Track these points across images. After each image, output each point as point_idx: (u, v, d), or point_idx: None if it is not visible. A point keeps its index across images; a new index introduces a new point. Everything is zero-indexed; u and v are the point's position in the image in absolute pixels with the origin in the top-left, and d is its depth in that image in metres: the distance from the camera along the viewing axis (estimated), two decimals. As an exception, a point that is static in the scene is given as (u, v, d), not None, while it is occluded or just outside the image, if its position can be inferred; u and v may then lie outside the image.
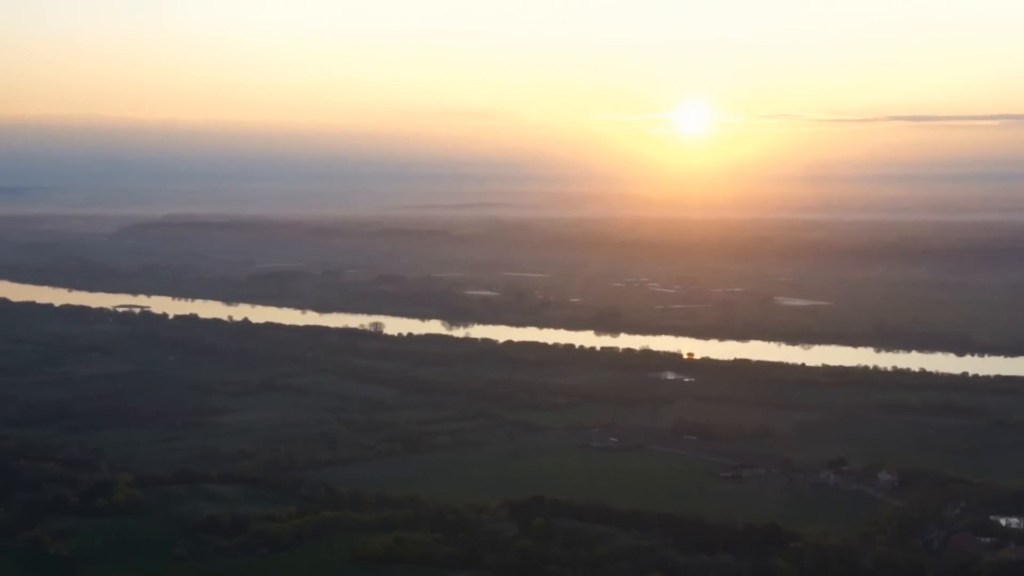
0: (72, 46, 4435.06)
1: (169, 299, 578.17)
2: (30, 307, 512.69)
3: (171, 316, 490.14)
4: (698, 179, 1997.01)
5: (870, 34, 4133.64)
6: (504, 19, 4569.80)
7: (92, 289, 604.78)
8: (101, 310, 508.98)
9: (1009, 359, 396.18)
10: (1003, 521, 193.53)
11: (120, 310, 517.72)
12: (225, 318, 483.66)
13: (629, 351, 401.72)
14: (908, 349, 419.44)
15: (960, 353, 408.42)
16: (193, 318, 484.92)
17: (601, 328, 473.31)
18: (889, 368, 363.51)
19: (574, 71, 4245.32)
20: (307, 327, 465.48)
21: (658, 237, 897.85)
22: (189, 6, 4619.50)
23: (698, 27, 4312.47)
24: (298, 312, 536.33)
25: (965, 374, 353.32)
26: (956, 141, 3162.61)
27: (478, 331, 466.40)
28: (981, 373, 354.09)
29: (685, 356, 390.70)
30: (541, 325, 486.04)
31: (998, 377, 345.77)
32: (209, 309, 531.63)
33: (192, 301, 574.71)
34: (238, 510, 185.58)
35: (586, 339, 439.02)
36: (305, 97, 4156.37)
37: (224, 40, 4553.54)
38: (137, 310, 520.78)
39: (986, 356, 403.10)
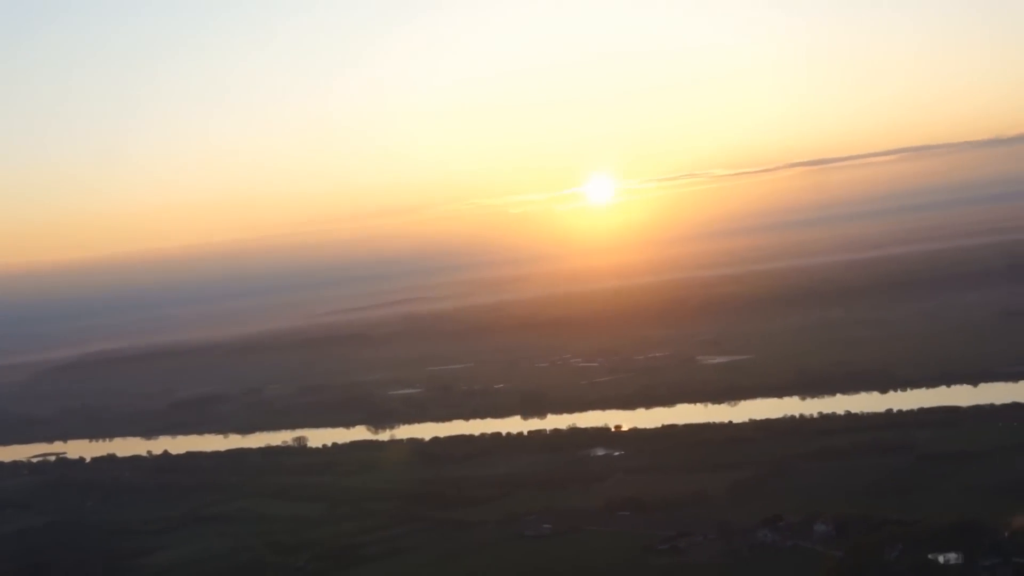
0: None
1: (87, 441, 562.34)
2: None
3: (88, 459, 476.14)
4: (611, 248, 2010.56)
5: (762, 86, 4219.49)
6: (405, 116, 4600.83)
7: (5, 442, 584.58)
8: (14, 463, 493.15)
9: (930, 390, 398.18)
10: (941, 558, 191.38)
11: (35, 460, 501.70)
12: (144, 453, 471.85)
13: (557, 432, 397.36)
14: (832, 392, 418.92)
15: (884, 390, 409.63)
16: (111, 458, 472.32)
17: (527, 412, 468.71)
18: (815, 415, 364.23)
19: (480, 159, 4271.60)
20: (229, 451, 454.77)
21: (577, 311, 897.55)
22: (82, 130, 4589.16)
23: (597, 101, 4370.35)
24: (221, 437, 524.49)
25: (890, 411, 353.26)
26: (856, 180, 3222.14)
27: (403, 431, 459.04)
28: (905, 408, 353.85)
29: (613, 429, 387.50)
30: (467, 416, 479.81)
31: (921, 410, 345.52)
32: (128, 446, 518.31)
33: (111, 440, 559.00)
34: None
35: (513, 425, 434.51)
36: (207, 218, 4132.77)
37: (113, 173, 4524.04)
38: (52, 457, 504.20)
39: (908, 389, 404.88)
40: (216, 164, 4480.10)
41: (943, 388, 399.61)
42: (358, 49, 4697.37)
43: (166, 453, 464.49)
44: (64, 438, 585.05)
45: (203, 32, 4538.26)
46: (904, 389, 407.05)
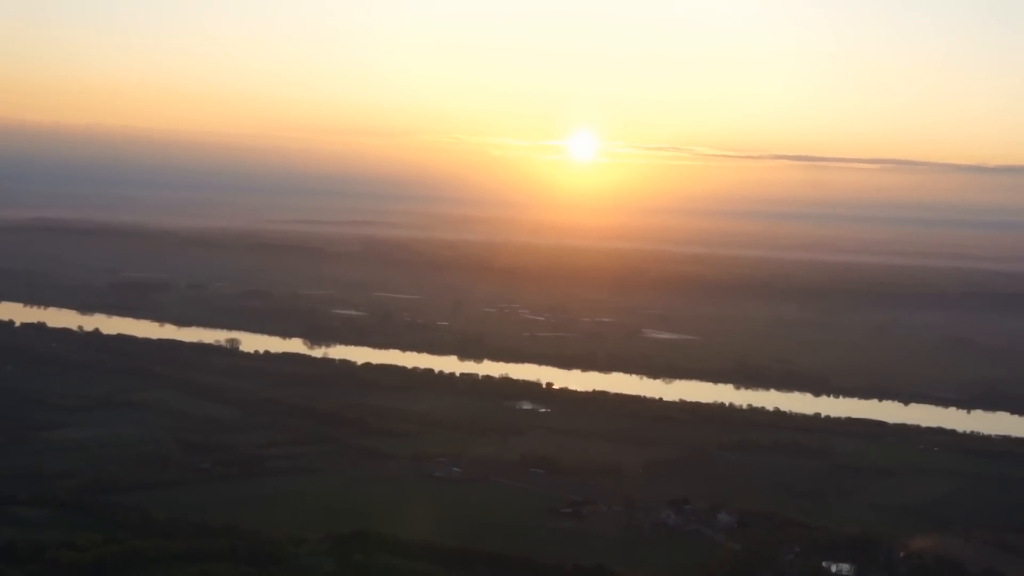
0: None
1: (20, 305, 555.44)
2: None
3: (18, 323, 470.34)
4: (584, 207, 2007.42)
5: (759, 73, 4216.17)
6: (399, 40, 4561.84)
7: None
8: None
9: (862, 401, 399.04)
10: (834, 567, 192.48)
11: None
12: (75, 328, 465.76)
13: (488, 378, 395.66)
14: (767, 387, 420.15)
15: (816, 393, 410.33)
16: (41, 326, 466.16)
17: (465, 353, 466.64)
18: (745, 406, 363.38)
19: (468, 94, 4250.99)
20: (161, 341, 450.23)
21: (536, 263, 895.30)
22: (77, 6, 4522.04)
23: (593, 58, 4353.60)
24: (156, 325, 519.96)
25: (818, 415, 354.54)
26: (837, 182, 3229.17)
27: (338, 352, 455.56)
28: (833, 415, 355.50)
29: (544, 386, 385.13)
30: (404, 348, 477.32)
31: (849, 419, 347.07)
32: (62, 318, 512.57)
33: (45, 309, 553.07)
34: (40, 536, 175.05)
35: (448, 364, 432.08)
36: (194, 105, 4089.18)
37: (111, 42, 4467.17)
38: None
39: (840, 397, 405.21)
40: (207, 53, 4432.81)
41: (874, 402, 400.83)
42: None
43: (97, 331, 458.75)
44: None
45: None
46: (836, 396, 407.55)
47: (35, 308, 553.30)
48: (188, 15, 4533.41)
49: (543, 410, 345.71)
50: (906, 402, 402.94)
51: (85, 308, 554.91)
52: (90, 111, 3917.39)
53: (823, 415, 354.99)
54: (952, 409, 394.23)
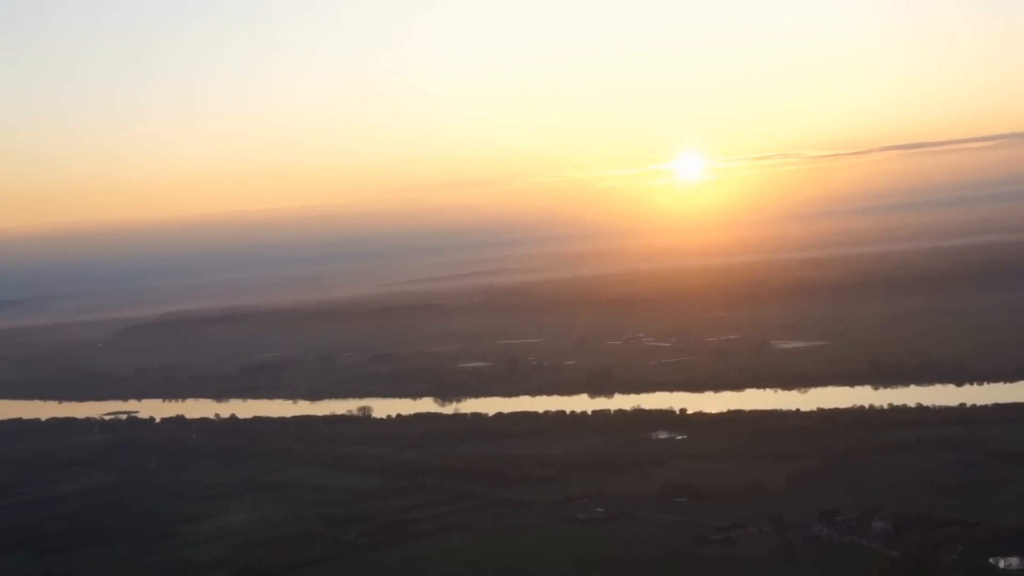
0: (64, 152, 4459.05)
1: (160, 401, 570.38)
2: (15, 424, 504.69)
3: (158, 420, 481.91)
4: (696, 226, 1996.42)
5: (855, 67, 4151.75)
6: (494, 88, 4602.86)
7: (82, 398, 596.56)
8: (88, 420, 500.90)
9: (1007, 385, 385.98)
10: (1002, 563, 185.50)
11: (107, 418, 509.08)
12: (212, 416, 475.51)
13: (621, 412, 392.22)
14: (906, 383, 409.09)
15: (959, 383, 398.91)
16: (180, 419, 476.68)
17: (594, 390, 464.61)
18: (885, 406, 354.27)
19: (568, 133, 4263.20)
20: (294, 418, 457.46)
21: (655, 289, 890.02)
22: (172, 97, 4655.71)
23: (686, 81, 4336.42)
24: (289, 403, 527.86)
25: (963, 405, 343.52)
26: (950, 165, 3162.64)
27: (468, 405, 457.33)
28: (979, 403, 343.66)
29: (678, 412, 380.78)
30: (534, 393, 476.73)
31: (996, 405, 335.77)
32: (198, 408, 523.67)
33: (183, 401, 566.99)
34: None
35: (579, 403, 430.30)
36: (298, 181, 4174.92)
37: (210, 131, 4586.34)
38: (124, 416, 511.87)
39: (984, 384, 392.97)
40: (304, 129, 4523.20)
41: (1020, 384, 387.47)
42: (447, 20, 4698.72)
43: (233, 417, 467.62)
44: (139, 397, 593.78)
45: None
46: (979, 383, 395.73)
47: (173, 402, 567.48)
48: (270, 94, 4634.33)
49: (679, 437, 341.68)
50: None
51: (220, 395, 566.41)
52: (195, 203, 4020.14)
53: (968, 404, 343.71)
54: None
